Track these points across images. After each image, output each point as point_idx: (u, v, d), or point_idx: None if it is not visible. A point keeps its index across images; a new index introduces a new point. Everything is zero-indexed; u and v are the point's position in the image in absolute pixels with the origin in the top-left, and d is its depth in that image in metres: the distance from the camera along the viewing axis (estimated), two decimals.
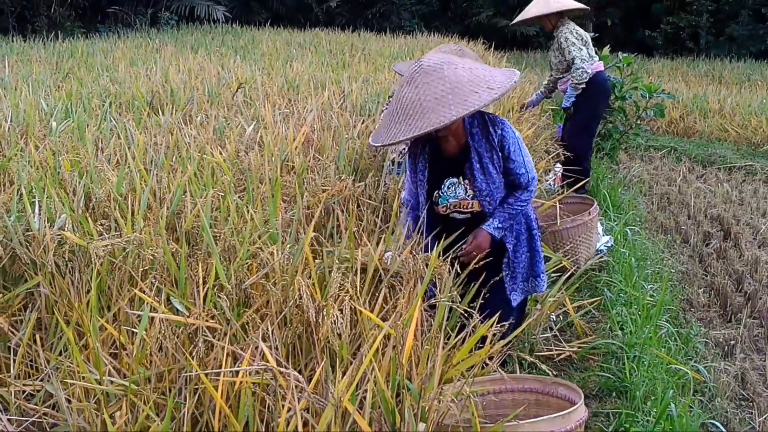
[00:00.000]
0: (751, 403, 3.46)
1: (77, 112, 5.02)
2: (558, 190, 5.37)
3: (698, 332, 4.11)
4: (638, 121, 7.50)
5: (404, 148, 3.99)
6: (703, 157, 9.12)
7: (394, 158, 4.11)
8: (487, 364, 2.69)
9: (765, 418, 3.31)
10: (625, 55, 7.30)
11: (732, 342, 4.03)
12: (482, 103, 2.81)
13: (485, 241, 3.15)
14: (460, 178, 3.15)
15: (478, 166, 3.10)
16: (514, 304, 3.25)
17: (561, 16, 5.88)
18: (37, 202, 3.06)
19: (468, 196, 3.16)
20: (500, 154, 3.11)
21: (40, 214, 2.99)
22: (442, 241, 3.00)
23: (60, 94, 5.92)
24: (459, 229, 3.12)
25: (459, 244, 3.10)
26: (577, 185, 5.30)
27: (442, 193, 3.19)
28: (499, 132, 3.11)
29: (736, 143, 10.05)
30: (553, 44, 6.02)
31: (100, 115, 5.10)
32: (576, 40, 5.78)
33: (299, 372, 2.38)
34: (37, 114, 4.96)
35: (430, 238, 3.09)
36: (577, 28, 5.89)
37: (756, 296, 4.59)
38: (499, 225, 3.15)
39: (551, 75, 6.28)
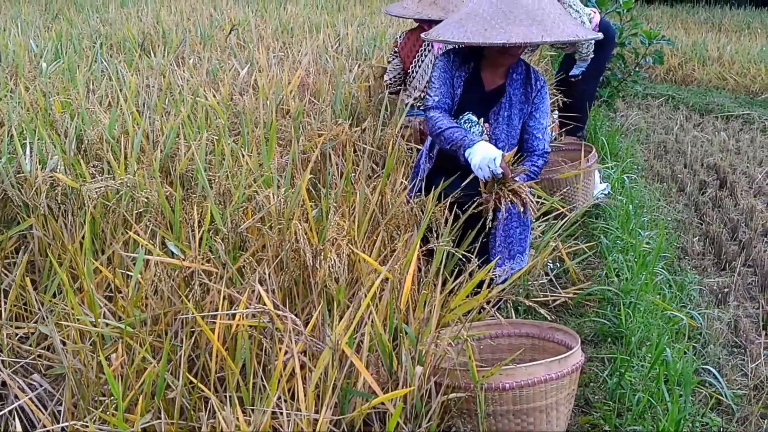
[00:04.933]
0: (743, 350, 3.49)
1: (67, 53, 4.91)
2: (555, 138, 5.31)
3: (693, 280, 4.13)
4: (637, 69, 7.41)
5: (419, 94, 3.98)
6: (700, 106, 9.05)
7: (410, 103, 4.05)
8: (484, 309, 2.69)
9: (757, 365, 3.33)
10: (625, 0, 7.16)
11: (726, 290, 4.05)
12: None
13: None
14: (481, 120, 3.01)
15: (506, 114, 2.99)
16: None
17: None
18: (28, 144, 3.00)
19: (482, 138, 2.97)
20: (529, 109, 3.01)
21: (31, 156, 2.94)
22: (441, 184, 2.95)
23: (50, 34, 5.79)
24: (457, 167, 2.95)
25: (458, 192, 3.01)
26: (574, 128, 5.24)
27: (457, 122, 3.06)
28: (539, 87, 3.01)
29: (734, 92, 9.97)
30: None
31: (91, 56, 4.99)
32: (571, 12, 5.63)
33: (296, 316, 2.37)
34: (27, 55, 4.85)
35: (425, 172, 3.08)
36: None
37: (750, 245, 4.60)
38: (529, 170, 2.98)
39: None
